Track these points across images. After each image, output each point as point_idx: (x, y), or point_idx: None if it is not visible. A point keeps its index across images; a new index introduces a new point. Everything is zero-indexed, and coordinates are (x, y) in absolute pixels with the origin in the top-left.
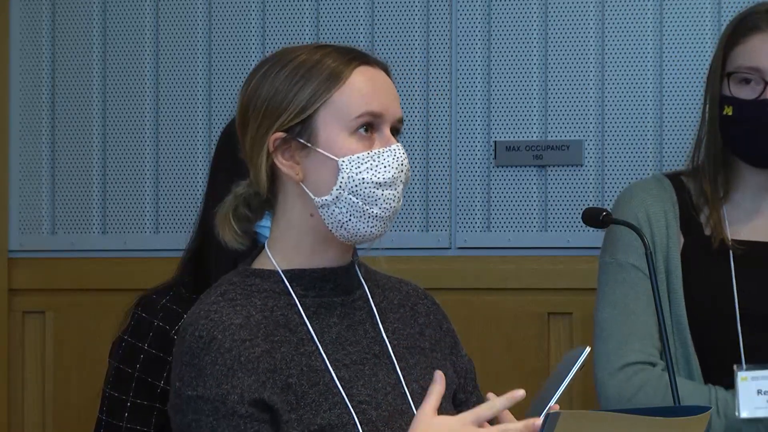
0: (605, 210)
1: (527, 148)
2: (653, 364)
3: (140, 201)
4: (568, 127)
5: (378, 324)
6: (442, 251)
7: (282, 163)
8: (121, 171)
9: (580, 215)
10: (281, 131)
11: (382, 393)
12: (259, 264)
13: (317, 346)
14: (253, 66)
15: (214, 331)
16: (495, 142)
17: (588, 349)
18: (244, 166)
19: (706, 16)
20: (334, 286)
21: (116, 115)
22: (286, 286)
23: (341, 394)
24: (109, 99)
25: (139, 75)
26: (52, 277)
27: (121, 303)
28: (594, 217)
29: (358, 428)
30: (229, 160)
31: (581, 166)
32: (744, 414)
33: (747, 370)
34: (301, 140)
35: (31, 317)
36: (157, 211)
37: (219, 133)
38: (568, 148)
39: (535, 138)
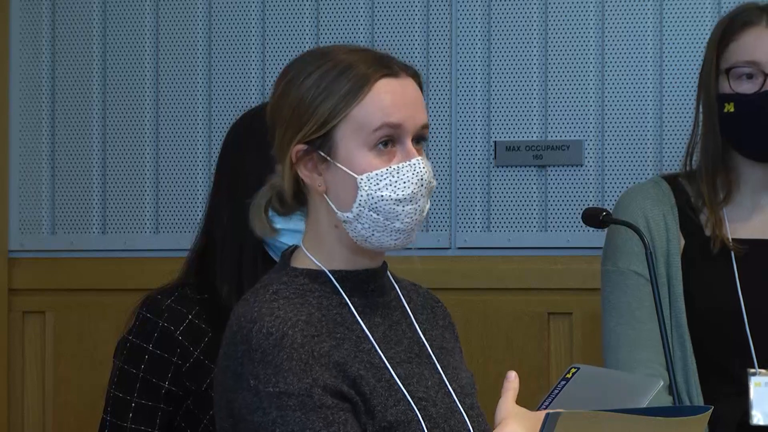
0: (605, 210)
1: (527, 148)
2: None
3: (140, 201)
4: (568, 127)
5: (414, 324)
6: (442, 251)
7: (304, 174)
8: (121, 171)
9: (580, 215)
10: (303, 143)
11: (433, 391)
12: (301, 264)
13: (373, 344)
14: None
15: (283, 327)
16: (495, 142)
17: (661, 383)
18: (247, 169)
19: (706, 16)
20: (374, 287)
21: (116, 115)
22: (336, 286)
23: (402, 391)
24: (109, 99)
25: (139, 75)
26: (52, 277)
27: (121, 303)
28: (594, 217)
29: (422, 425)
30: (230, 165)
31: (581, 166)
32: (755, 421)
33: (761, 375)
34: (322, 153)
35: (31, 317)
36: (157, 211)
37: (219, 134)
38: (568, 148)
39: (535, 138)
